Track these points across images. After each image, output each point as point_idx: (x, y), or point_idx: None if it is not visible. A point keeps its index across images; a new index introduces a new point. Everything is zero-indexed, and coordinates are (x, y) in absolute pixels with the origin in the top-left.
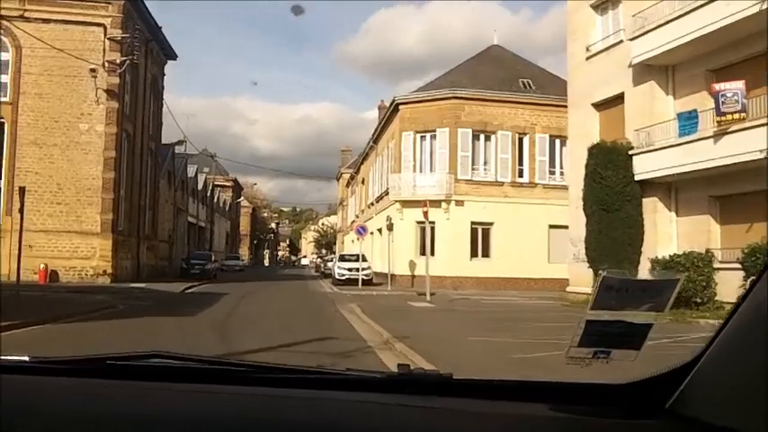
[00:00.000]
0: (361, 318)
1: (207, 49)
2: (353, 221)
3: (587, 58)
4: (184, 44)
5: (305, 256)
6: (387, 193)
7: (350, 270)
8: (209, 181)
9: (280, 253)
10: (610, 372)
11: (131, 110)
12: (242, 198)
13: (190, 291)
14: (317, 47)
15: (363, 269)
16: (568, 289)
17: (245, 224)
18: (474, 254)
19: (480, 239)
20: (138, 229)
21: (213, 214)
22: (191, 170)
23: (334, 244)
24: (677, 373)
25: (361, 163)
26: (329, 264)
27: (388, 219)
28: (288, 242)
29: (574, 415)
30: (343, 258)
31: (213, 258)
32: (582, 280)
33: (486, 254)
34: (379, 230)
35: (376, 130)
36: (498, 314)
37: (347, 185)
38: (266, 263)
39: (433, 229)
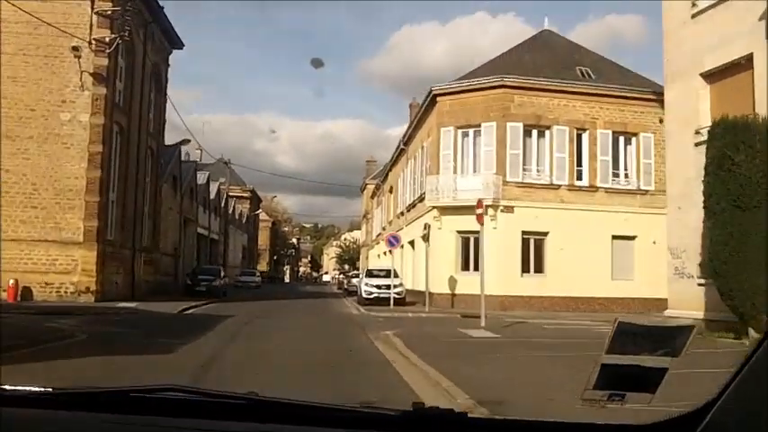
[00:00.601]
0: (404, 355)
1: (232, 66)
2: (380, 234)
3: (693, 16)
4: (210, 62)
5: (326, 273)
6: (421, 199)
7: (379, 288)
8: (224, 191)
9: (301, 269)
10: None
11: (125, 100)
12: (260, 210)
13: (188, 312)
14: (341, 63)
15: (395, 286)
16: (668, 312)
17: (263, 238)
18: (525, 269)
19: (533, 252)
20: (134, 239)
21: (227, 226)
22: (201, 177)
23: (358, 260)
24: (696, 415)
25: (390, 170)
26: (354, 280)
27: (426, 227)
28: (309, 258)
29: None
30: (371, 274)
31: (222, 274)
32: (688, 301)
33: (539, 269)
34: (411, 243)
35: (407, 130)
36: (590, 349)
37: (372, 197)
38: (287, 279)
39: (476, 240)
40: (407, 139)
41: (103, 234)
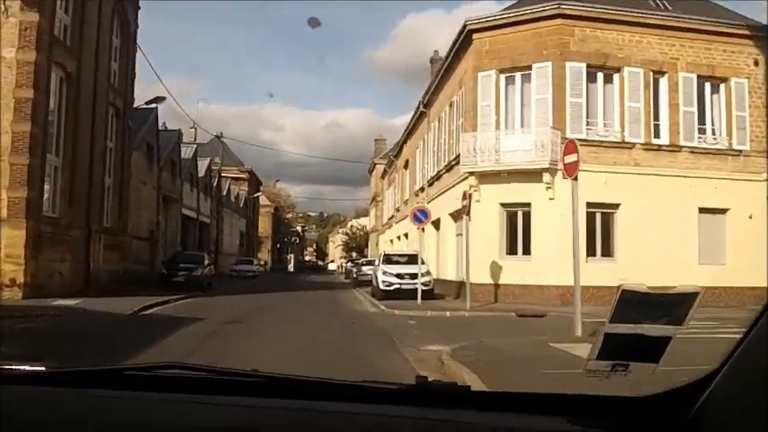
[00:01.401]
0: None
1: (235, 58)
2: (392, 217)
3: None
4: (214, 53)
5: (332, 261)
6: (448, 168)
7: (401, 277)
8: (216, 169)
9: (306, 258)
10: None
11: (74, 39)
12: (260, 193)
13: (147, 312)
14: (346, 52)
15: (423, 275)
16: None
17: (265, 225)
18: (591, 252)
19: (599, 230)
20: (90, 217)
21: (221, 209)
22: (187, 150)
23: (366, 247)
24: (698, 385)
25: (404, 142)
26: (365, 268)
27: (467, 196)
28: (314, 247)
29: (593, 428)
30: (389, 260)
31: (207, 261)
32: None
33: (607, 252)
34: (434, 223)
35: (429, 87)
36: None
37: (382, 177)
38: (291, 268)
39: (526, 215)
40: (429, 100)
41: (37, 208)
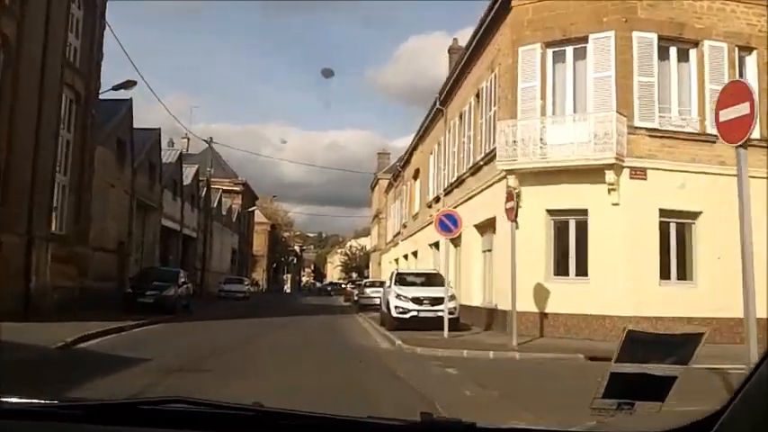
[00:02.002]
0: None
1: (236, 77)
2: (398, 233)
3: None
4: (214, 72)
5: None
6: (474, 170)
7: (419, 302)
8: (205, 179)
9: (304, 279)
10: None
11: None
12: (255, 207)
13: (85, 344)
14: (347, 73)
15: (450, 299)
16: None
17: (260, 243)
18: (665, 273)
19: (674, 244)
20: (32, 221)
21: (211, 222)
22: (169, 155)
23: (366, 267)
24: (705, 423)
25: (415, 147)
26: (368, 290)
27: (512, 197)
28: (312, 267)
29: None
30: (404, 281)
31: (182, 279)
32: None
33: (683, 274)
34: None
35: (447, 80)
36: None
37: (386, 191)
38: (287, 289)
39: (582, 224)
40: (446, 95)
41: None
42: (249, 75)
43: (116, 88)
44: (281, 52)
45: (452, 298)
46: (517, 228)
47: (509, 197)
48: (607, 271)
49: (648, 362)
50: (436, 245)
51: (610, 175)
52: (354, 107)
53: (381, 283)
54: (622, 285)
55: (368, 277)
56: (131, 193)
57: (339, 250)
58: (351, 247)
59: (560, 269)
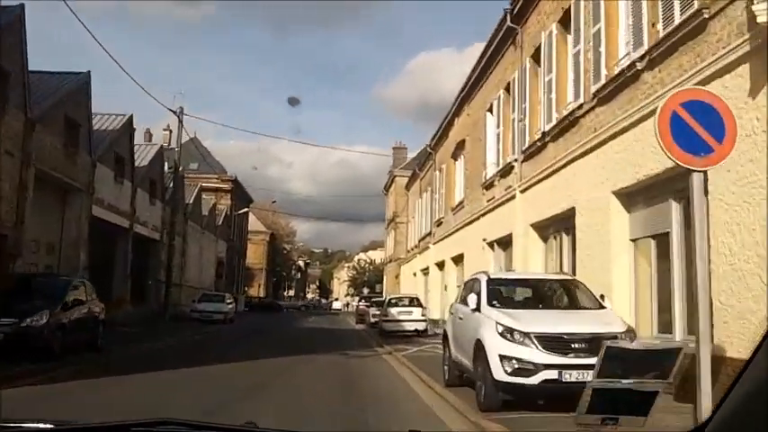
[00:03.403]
0: None
1: (246, 93)
2: (425, 237)
3: None
4: (223, 88)
5: (337, 299)
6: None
7: (568, 349)
8: (173, 161)
9: (309, 295)
10: None
11: None
12: (247, 209)
13: None
14: (356, 90)
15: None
16: None
17: (258, 254)
18: None
19: None
20: None
21: (185, 223)
22: (111, 121)
23: (378, 283)
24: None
25: (453, 116)
26: (394, 311)
27: None
28: (318, 284)
29: None
30: (502, 298)
31: (70, 296)
32: None
33: None
34: (568, 227)
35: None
36: None
37: (407, 187)
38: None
39: None
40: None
41: None
42: (259, 91)
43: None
44: (292, 70)
45: (629, 334)
46: None
47: None
48: None
49: (628, 377)
50: (502, 243)
51: None
52: (363, 123)
53: (413, 301)
54: None
55: (380, 293)
56: (25, 159)
57: (346, 265)
58: (359, 260)
59: None
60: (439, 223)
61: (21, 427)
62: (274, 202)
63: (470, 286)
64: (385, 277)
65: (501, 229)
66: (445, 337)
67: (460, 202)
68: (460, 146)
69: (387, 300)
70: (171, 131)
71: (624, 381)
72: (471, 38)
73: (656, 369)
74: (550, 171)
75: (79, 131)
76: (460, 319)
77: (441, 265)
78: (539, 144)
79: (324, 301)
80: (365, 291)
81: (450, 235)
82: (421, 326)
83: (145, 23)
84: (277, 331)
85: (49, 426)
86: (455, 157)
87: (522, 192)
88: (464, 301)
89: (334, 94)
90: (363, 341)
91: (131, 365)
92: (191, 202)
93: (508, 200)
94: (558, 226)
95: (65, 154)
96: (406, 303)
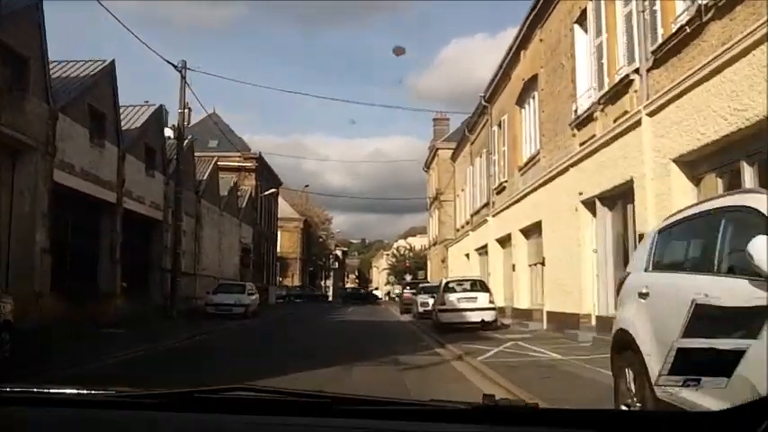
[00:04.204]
0: None
1: (279, 90)
2: (482, 209)
3: None
4: (253, 87)
5: (377, 288)
6: None
7: None
8: (178, 125)
9: (348, 285)
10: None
11: None
12: (273, 190)
13: None
14: (389, 81)
15: None
16: None
17: (292, 243)
18: None
19: None
20: None
21: (198, 203)
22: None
23: (420, 269)
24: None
25: (518, 49)
26: (454, 297)
27: None
28: (356, 273)
29: None
30: None
31: None
32: None
33: None
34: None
35: None
36: None
37: (453, 158)
38: (329, 296)
39: None
40: None
41: None
42: (292, 87)
43: None
44: (323, 62)
45: None
46: None
47: None
48: None
49: (716, 336)
50: (613, 197)
51: None
52: (396, 114)
53: (477, 285)
54: None
55: (423, 280)
56: None
57: (385, 253)
58: (398, 248)
59: None
60: (500, 190)
61: (87, 393)
62: (307, 186)
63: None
64: (429, 262)
65: (610, 178)
66: (630, 338)
67: (533, 157)
68: (530, 85)
69: (443, 284)
70: (190, 110)
71: (710, 340)
72: (504, 22)
73: (744, 327)
74: (715, 67)
75: (28, 67)
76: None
77: (505, 241)
78: (687, 31)
79: (362, 290)
80: (407, 277)
81: (517, 201)
82: (488, 315)
83: (173, 24)
84: (307, 328)
85: (112, 392)
86: (521, 102)
87: (653, 114)
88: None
89: (366, 88)
90: (416, 338)
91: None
92: (205, 178)
93: (624, 132)
94: (733, 154)
95: (8, 99)
96: (468, 288)
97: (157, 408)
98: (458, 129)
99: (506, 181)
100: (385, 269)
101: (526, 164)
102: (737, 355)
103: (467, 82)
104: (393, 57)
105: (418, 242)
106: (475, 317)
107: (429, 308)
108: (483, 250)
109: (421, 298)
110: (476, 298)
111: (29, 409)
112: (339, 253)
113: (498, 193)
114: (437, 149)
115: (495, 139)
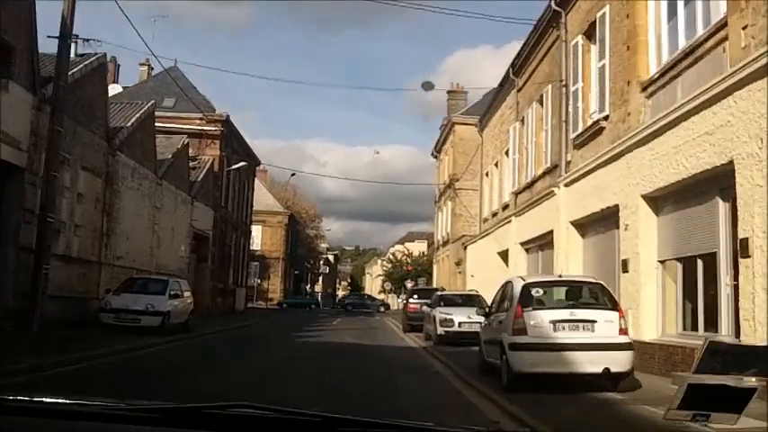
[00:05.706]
0: None
1: (279, 93)
2: (523, 191)
3: None
4: (260, 88)
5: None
6: None
7: None
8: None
9: (340, 292)
10: None
11: None
12: (243, 164)
13: None
14: (392, 88)
15: None
16: None
17: (274, 240)
18: None
19: None
20: None
21: (109, 157)
22: None
23: (419, 277)
24: None
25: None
26: (543, 317)
27: None
28: (349, 280)
29: None
30: None
31: None
32: None
33: None
34: None
35: None
36: None
37: (481, 128)
38: (320, 302)
39: None
40: None
41: None
42: (292, 91)
43: None
44: (326, 69)
45: None
46: None
47: None
48: None
49: (728, 373)
50: None
51: None
52: (397, 123)
53: (592, 292)
54: None
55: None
56: None
57: (380, 259)
58: (395, 252)
59: None
60: (594, 134)
61: (94, 405)
62: (293, 174)
63: None
64: (435, 266)
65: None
66: None
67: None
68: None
69: (515, 289)
70: (151, 68)
71: (722, 377)
72: (509, 35)
73: (757, 366)
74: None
75: None
76: None
77: (595, 223)
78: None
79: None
80: (408, 284)
81: (641, 143)
82: (619, 359)
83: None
84: (254, 359)
85: (121, 405)
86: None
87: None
88: None
89: (364, 93)
90: (428, 372)
91: None
92: (129, 125)
93: None
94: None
95: None
96: (574, 300)
97: (164, 422)
98: (478, 101)
99: (607, 117)
100: (379, 275)
101: (597, 123)
102: (750, 392)
103: (472, 92)
104: (396, 64)
105: (416, 248)
106: (593, 362)
107: (455, 328)
108: (538, 243)
109: (441, 313)
110: (593, 321)
111: (27, 419)
112: (331, 257)
113: (583, 145)
114: (453, 125)
115: (578, 55)
